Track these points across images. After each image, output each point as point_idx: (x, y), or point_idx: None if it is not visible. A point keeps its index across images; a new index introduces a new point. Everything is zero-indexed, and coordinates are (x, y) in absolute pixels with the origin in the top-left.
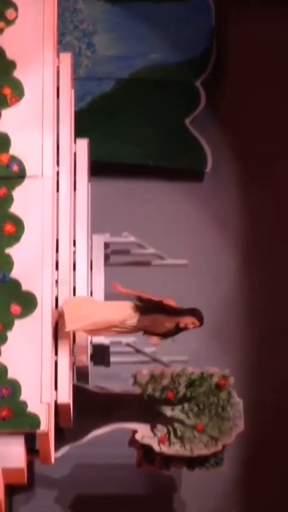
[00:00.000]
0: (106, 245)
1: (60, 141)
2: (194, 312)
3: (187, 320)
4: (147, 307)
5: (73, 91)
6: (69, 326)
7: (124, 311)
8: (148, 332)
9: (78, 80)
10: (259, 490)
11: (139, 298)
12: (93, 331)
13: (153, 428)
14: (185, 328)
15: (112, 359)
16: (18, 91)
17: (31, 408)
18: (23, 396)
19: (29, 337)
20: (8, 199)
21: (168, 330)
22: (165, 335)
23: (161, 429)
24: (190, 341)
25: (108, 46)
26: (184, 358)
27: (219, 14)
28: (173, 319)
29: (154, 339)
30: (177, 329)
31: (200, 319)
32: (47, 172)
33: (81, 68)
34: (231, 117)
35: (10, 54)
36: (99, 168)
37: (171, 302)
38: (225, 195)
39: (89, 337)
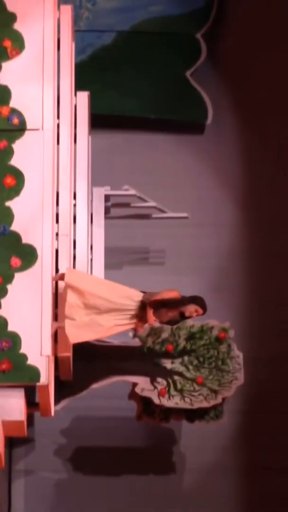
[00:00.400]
0: (107, 198)
1: (61, 94)
2: (196, 300)
3: (191, 309)
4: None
5: (73, 43)
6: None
7: (125, 297)
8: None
9: (78, 32)
10: (258, 443)
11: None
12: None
13: (153, 381)
14: (190, 317)
15: None
16: (18, 43)
17: (31, 361)
18: (23, 349)
19: (29, 290)
20: (9, 152)
21: (171, 318)
22: (169, 323)
23: (161, 382)
24: (191, 294)
25: None
26: None
27: None
28: (176, 309)
29: (141, 329)
30: (183, 318)
31: (203, 306)
32: (47, 125)
33: (81, 21)
34: (232, 69)
35: (10, 7)
36: (100, 121)
37: (174, 294)
38: (225, 147)
39: None
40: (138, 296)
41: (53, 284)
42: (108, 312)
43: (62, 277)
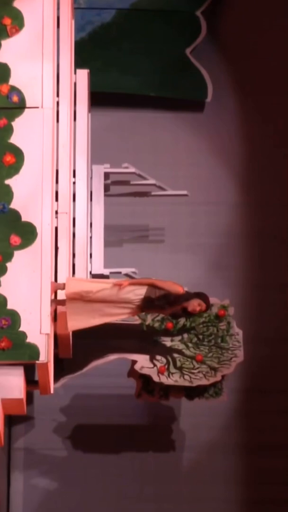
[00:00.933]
0: (106, 176)
1: (60, 72)
2: (200, 295)
3: (194, 303)
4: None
5: (73, 21)
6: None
7: (126, 292)
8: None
9: (78, 10)
10: (257, 421)
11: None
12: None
13: (152, 359)
14: (193, 312)
15: None
16: (18, 21)
17: (31, 339)
18: (23, 327)
19: (29, 268)
20: (8, 130)
21: (174, 312)
22: (173, 316)
23: (160, 360)
24: (190, 272)
25: None
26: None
27: None
28: (179, 304)
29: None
30: (186, 313)
31: (206, 302)
32: (47, 103)
33: None
34: (232, 47)
35: None
36: (99, 99)
37: (178, 287)
38: (225, 125)
39: (89, 268)
40: (141, 289)
41: (53, 262)
42: (110, 302)
43: (62, 286)
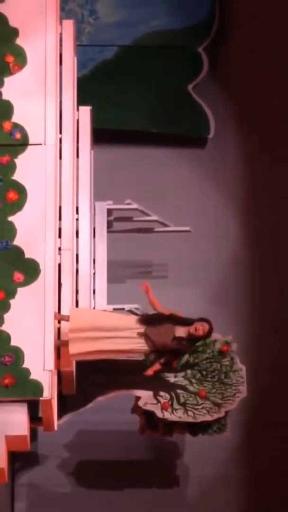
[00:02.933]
0: (109, 212)
1: (63, 109)
2: (202, 319)
3: (197, 325)
4: (154, 318)
5: (75, 58)
6: (72, 347)
7: (129, 320)
8: (157, 346)
9: (80, 47)
10: (261, 456)
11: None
12: (98, 352)
13: (156, 395)
14: (196, 336)
15: None
16: (21, 58)
17: (34, 375)
18: (26, 364)
19: (32, 305)
20: (11, 167)
21: (180, 342)
22: (178, 351)
23: (164, 396)
24: (193, 307)
25: (111, 13)
26: None
27: None
28: (182, 328)
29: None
30: (189, 339)
31: (210, 325)
32: (49, 140)
33: (83, 35)
34: (234, 83)
35: (12, 22)
36: (102, 135)
37: (180, 315)
38: (227, 161)
39: (92, 304)
40: (135, 317)
41: (56, 299)
42: (114, 338)
43: (65, 318)
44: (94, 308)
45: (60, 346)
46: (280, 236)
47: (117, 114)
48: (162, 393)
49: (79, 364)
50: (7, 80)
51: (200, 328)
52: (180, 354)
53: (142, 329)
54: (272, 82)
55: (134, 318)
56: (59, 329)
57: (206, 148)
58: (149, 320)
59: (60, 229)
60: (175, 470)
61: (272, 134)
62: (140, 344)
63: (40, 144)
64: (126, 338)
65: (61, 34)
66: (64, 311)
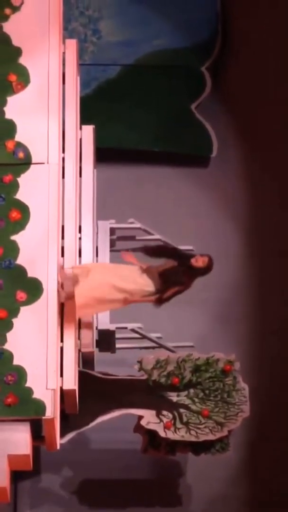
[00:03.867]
0: (112, 231)
1: (66, 128)
2: (203, 254)
3: (197, 257)
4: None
5: (78, 77)
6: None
7: (135, 269)
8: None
9: (83, 66)
10: (264, 475)
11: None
12: (106, 301)
13: (158, 414)
14: (196, 267)
15: (118, 345)
16: (23, 78)
17: (37, 394)
18: (29, 383)
19: (35, 324)
20: (14, 186)
21: (181, 275)
22: (172, 276)
23: (166, 415)
24: (195, 326)
25: (114, 32)
26: (189, 344)
27: None
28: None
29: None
30: (189, 272)
31: (210, 259)
32: (52, 159)
33: (86, 54)
34: (237, 102)
35: (15, 41)
36: (105, 154)
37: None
38: (230, 180)
39: (95, 323)
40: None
41: (59, 318)
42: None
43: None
44: (97, 328)
45: (65, 300)
46: (283, 254)
47: (120, 133)
48: (164, 412)
49: (82, 383)
50: (10, 99)
51: (200, 259)
52: (183, 285)
53: (144, 266)
54: (275, 101)
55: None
56: (61, 348)
57: (209, 167)
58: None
59: (63, 248)
60: (177, 489)
61: (274, 153)
62: (143, 280)
63: (43, 163)
64: (129, 275)
65: (64, 53)
66: (67, 330)
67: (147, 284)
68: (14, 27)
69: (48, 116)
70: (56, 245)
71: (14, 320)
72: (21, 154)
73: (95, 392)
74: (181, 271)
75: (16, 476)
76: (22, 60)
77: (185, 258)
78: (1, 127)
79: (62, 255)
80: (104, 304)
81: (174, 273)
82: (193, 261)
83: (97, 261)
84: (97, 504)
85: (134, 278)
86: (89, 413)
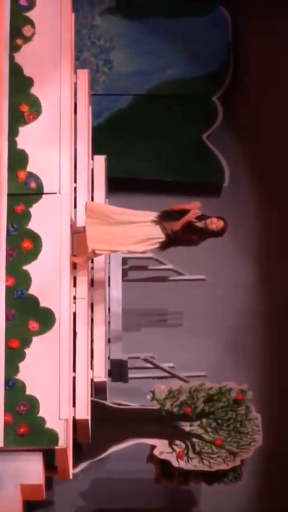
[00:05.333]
0: (124, 261)
1: (78, 158)
2: (220, 218)
3: (213, 219)
4: (171, 213)
5: (90, 107)
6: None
7: (146, 212)
8: (170, 233)
9: (95, 96)
10: (278, 505)
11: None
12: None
13: (171, 444)
14: (209, 229)
15: (130, 374)
16: (35, 108)
17: (49, 424)
18: (41, 413)
19: (47, 354)
20: (26, 216)
21: (192, 232)
22: (189, 240)
23: (179, 445)
24: (208, 356)
25: (125, 62)
26: (202, 373)
27: (237, 28)
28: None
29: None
30: (202, 232)
31: (225, 224)
32: (64, 189)
33: (98, 85)
34: (249, 131)
35: (27, 71)
36: (117, 184)
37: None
38: (242, 210)
39: (107, 353)
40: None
41: (71, 348)
42: (130, 223)
43: (81, 229)
44: (109, 358)
45: (77, 233)
46: None
47: (132, 163)
48: (177, 442)
49: (94, 413)
50: (22, 129)
51: (215, 222)
52: (191, 242)
53: (157, 218)
54: (285, 131)
55: (151, 212)
56: (74, 378)
57: (222, 197)
58: (166, 213)
59: (75, 278)
60: None
61: (286, 182)
62: (155, 231)
63: (55, 193)
64: (141, 224)
65: (75, 83)
66: (79, 360)
67: (158, 234)
68: (26, 58)
69: (60, 146)
70: (69, 275)
71: (27, 350)
72: (33, 184)
73: (107, 421)
74: (193, 230)
75: (29, 506)
76: (34, 91)
77: (201, 218)
78: (13, 157)
79: (74, 285)
80: (113, 243)
81: (187, 230)
82: (208, 222)
83: (109, 292)
84: None
85: (147, 227)
86: (101, 443)
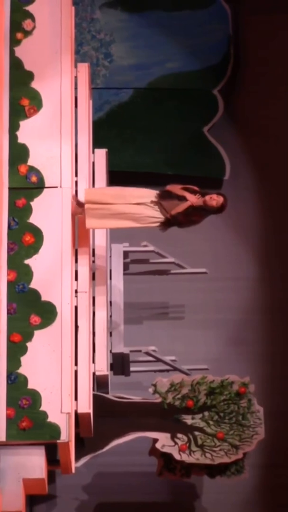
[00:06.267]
0: (125, 254)
1: (78, 151)
2: (220, 194)
3: (212, 195)
4: (171, 192)
5: (91, 101)
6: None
7: (146, 190)
8: (170, 213)
9: (96, 90)
10: (280, 498)
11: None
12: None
13: (173, 437)
14: (209, 205)
15: (132, 368)
16: (36, 102)
17: (52, 418)
18: (43, 407)
19: (49, 348)
20: (27, 210)
21: (193, 211)
22: (190, 219)
23: (181, 438)
24: (210, 349)
25: (126, 55)
26: (204, 366)
27: (237, 21)
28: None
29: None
30: (202, 209)
31: (225, 200)
32: (65, 183)
33: (98, 78)
34: (249, 124)
35: (28, 65)
36: (118, 178)
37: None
38: (244, 203)
39: (109, 347)
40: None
41: (73, 341)
42: (130, 204)
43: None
44: (111, 351)
45: (77, 214)
46: None
47: (133, 156)
48: (179, 435)
49: (96, 406)
50: (23, 123)
51: (214, 198)
52: (192, 223)
53: (156, 199)
54: (286, 124)
55: (151, 190)
56: (76, 372)
57: (223, 190)
58: (166, 193)
59: (76, 272)
60: None
61: (287, 176)
62: (155, 212)
63: (56, 187)
64: (141, 205)
65: (76, 77)
66: (81, 353)
67: (157, 215)
68: (26, 52)
69: (60, 140)
70: (70, 269)
71: (28, 344)
72: (34, 178)
73: (109, 415)
74: (194, 210)
75: (32, 500)
76: (35, 84)
77: (201, 194)
78: (14, 151)
79: (76, 279)
80: (112, 219)
81: (186, 213)
82: (207, 198)
83: (110, 285)
84: None
85: (147, 207)
86: (104, 437)
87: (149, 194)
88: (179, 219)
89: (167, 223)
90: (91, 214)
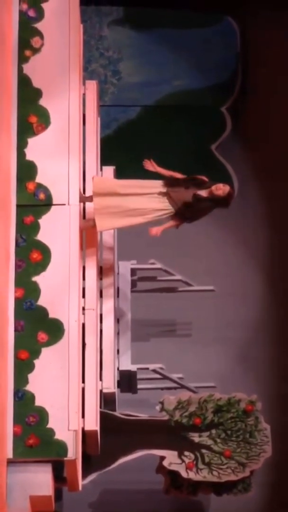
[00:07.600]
0: (133, 272)
1: (86, 169)
2: (226, 184)
3: (218, 185)
4: (178, 181)
5: (99, 118)
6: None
7: (153, 182)
8: (178, 204)
9: (104, 107)
10: None
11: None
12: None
13: (180, 455)
14: (216, 195)
15: (139, 385)
16: (44, 119)
17: (59, 435)
18: (51, 424)
19: (56, 365)
20: (35, 227)
21: (200, 201)
22: (198, 210)
23: (188, 455)
24: (217, 366)
25: (134, 73)
26: (211, 384)
27: (244, 38)
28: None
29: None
30: (209, 199)
31: (231, 189)
32: (73, 200)
33: (107, 96)
34: (257, 142)
35: (36, 82)
36: None
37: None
38: (251, 220)
39: (117, 364)
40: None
41: (80, 358)
42: (138, 195)
43: (89, 199)
44: (118, 368)
45: (84, 202)
46: None
47: (141, 174)
48: (186, 453)
49: (104, 424)
50: (31, 140)
51: (220, 188)
52: (200, 213)
53: (164, 189)
54: None
55: (158, 181)
56: (83, 389)
57: (230, 207)
58: (173, 182)
59: (84, 289)
60: None
61: None
62: (163, 203)
63: (64, 204)
64: (149, 196)
65: (84, 94)
66: (88, 371)
67: (166, 207)
68: (35, 69)
69: (68, 157)
70: (77, 286)
71: (36, 361)
72: (42, 196)
73: (116, 432)
74: (200, 201)
75: None
76: (43, 102)
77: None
78: (22, 168)
79: (83, 296)
80: (120, 216)
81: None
82: (213, 188)
83: (118, 302)
84: None
85: (155, 199)
86: (111, 454)
87: (157, 185)
88: (186, 214)
89: (177, 216)
90: (100, 215)
